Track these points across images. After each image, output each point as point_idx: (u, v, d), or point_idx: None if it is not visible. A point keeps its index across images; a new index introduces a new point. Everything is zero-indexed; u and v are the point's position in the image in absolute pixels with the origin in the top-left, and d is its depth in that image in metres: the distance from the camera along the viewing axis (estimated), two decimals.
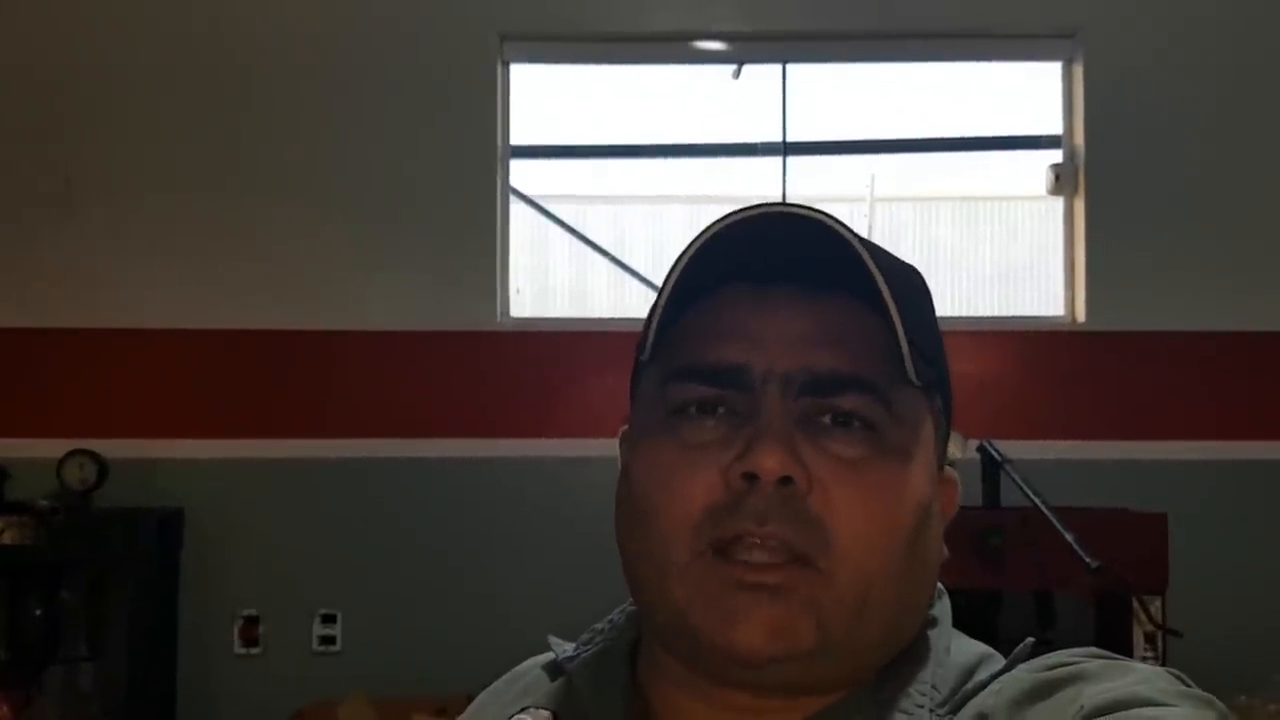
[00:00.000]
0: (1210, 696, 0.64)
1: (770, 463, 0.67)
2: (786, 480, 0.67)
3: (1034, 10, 3.82)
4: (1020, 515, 2.56)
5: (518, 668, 0.88)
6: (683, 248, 0.70)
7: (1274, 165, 3.74)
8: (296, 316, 3.66)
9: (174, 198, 3.69)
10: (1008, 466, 2.65)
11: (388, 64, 3.73)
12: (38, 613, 3.37)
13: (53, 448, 3.43)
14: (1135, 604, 2.46)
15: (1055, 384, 3.72)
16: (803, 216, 0.68)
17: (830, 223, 0.68)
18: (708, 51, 3.90)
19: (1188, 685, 0.65)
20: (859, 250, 0.67)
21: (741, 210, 0.69)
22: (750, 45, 3.91)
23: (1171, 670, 0.67)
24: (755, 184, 4.02)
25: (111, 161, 3.70)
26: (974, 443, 2.74)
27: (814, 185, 4.28)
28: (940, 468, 0.76)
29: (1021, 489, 2.53)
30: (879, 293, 0.67)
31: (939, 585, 0.79)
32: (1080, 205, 3.78)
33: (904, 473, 0.71)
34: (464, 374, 3.68)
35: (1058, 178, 3.81)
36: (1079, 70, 3.79)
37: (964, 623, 0.78)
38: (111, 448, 3.48)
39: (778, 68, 3.92)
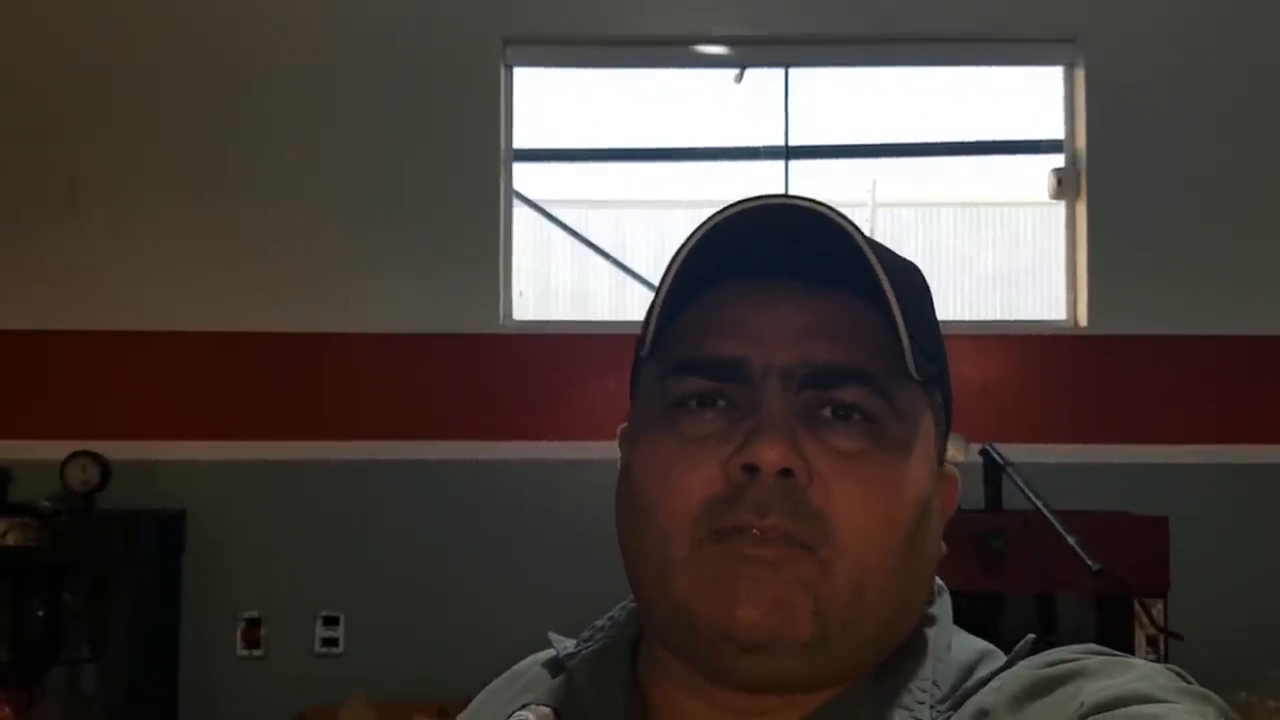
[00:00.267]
0: (1210, 693, 0.64)
1: (771, 455, 0.67)
2: (787, 473, 0.67)
3: (1035, 15, 3.82)
4: (1022, 518, 2.56)
5: (517, 666, 0.89)
6: (683, 240, 0.70)
7: (1275, 169, 3.74)
8: (299, 319, 3.66)
9: (176, 199, 3.69)
10: (1010, 470, 2.66)
11: (390, 67, 3.74)
12: (40, 614, 3.38)
13: (55, 449, 3.44)
14: (1137, 606, 2.47)
15: (1057, 388, 3.72)
16: (804, 209, 0.68)
17: (831, 215, 0.68)
18: (710, 55, 3.91)
19: (1188, 682, 0.66)
20: (859, 243, 0.67)
21: (742, 202, 0.69)
22: (752, 49, 3.91)
23: (1171, 667, 0.67)
24: (757, 188, 4.01)
25: (113, 163, 3.70)
26: (976, 446, 2.75)
27: (816, 190, 4.27)
28: (940, 464, 0.76)
29: (1023, 492, 2.54)
30: (879, 288, 0.67)
31: (939, 582, 0.79)
32: (1082, 209, 3.78)
33: (904, 466, 0.71)
34: (466, 376, 3.68)
35: (1059, 182, 3.81)
36: (1080, 75, 3.79)
37: (966, 625, 0.78)
38: (114, 449, 3.48)
39: (780, 72, 3.92)
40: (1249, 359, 3.69)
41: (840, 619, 0.68)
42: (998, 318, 4.47)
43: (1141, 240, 3.71)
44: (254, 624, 3.57)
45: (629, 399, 0.79)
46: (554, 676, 0.82)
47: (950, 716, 0.70)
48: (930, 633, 0.75)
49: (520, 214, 3.90)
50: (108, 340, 3.65)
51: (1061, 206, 3.87)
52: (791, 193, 0.71)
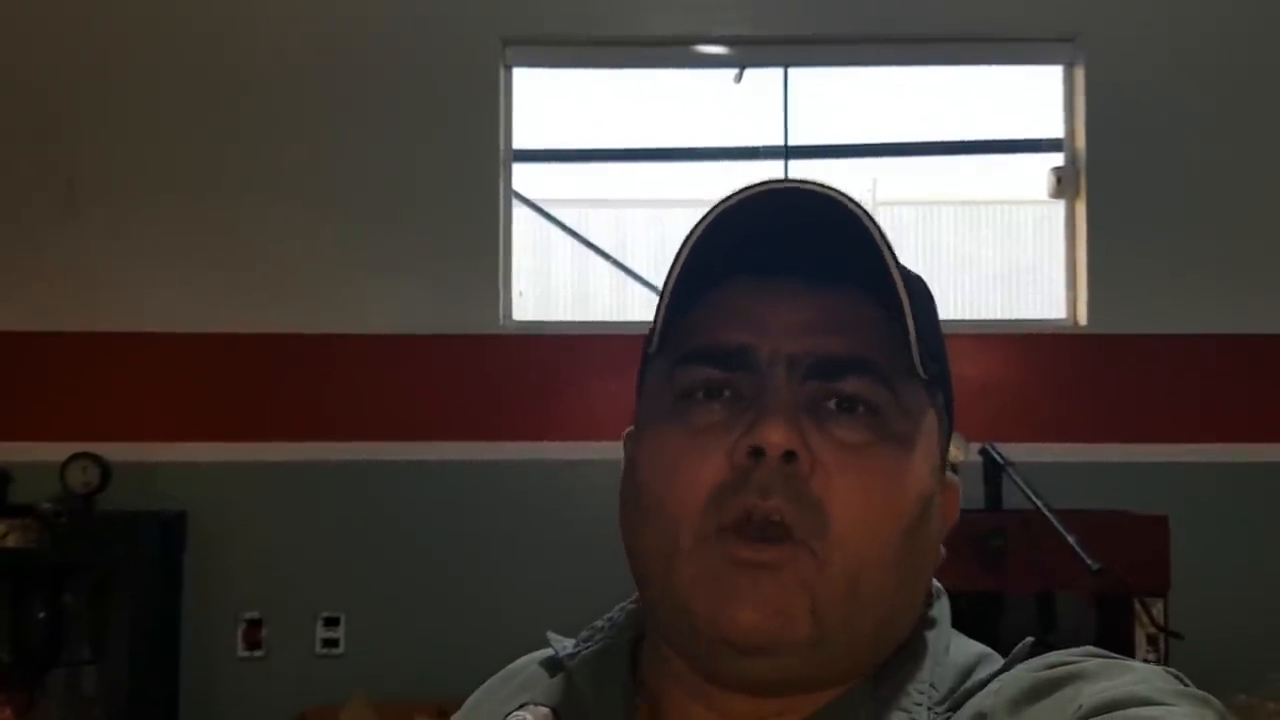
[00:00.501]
0: (1208, 696, 0.64)
1: (775, 437, 0.67)
2: (790, 457, 0.68)
3: (1034, 14, 3.82)
4: (1022, 518, 2.57)
5: (513, 665, 0.88)
6: (689, 230, 0.70)
7: (1274, 167, 3.74)
8: (299, 320, 3.66)
9: (176, 200, 3.69)
10: (1010, 469, 2.66)
11: (390, 68, 3.74)
12: (41, 616, 3.38)
13: (55, 451, 3.44)
14: (1137, 606, 2.47)
15: (1057, 387, 3.72)
16: (811, 193, 0.68)
17: (840, 198, 0.68)
18: (710, 56, 3.91)
19: (1186, 685, 0.65)
20: (868, 227, 0.67)
21: (748, 188, 0.69)
22: (752, 49, 3.91)
23: (1170, 669, 0.67)
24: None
25: (113, 164, 3.70)
26: (976, 445, 2.75)
27: None
28: (943, 466, 0.76)
29: (1024, 491, 2.54)
30: (885, 284, 0.68)
31: (938, 585, 0.79)
32: (1081, 208, 3.78)
33: (906, 461, 0.71)
34: (466, 377, 3.68)
35: (1059, 181, 3.81)
36: (1080, 74, 3.79)
37: (966, 625, 0.78)
38: (114, 451, 3.48)
39: (779, 71, 3.92)
40: (1249, 358, 3.69)
41: (837, 615, 0.68)
42: (999, 316, 4.47)
43: (1141, 239, 3.71)
44: (255, 625, 3.57)
45: (635, 399, 0.79)
46: (552, 676, 0.82)
47: (949, 719, 0.70)
48: (929, 635, 0.75)
49: (520, 214, 3.90)
50: (108, 341, 3.65)
51: (1061, 205, 3.87)
52: (798, 179, 0.70)
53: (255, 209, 3.70)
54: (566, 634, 0.86)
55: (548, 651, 0.84)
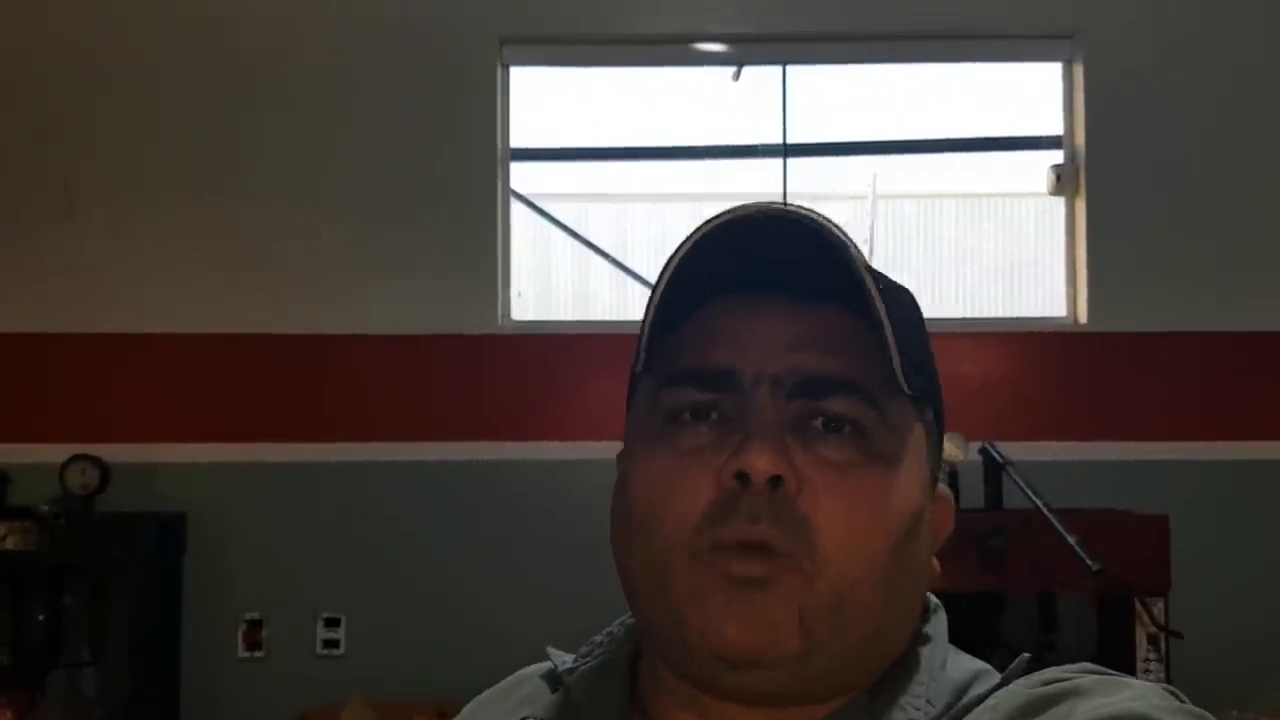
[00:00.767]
0: (1206, 714, 0.64)
1: (760, 462, 0.67)
2: (777, 481, 0.68)
3: (1034, 11, 3.81)
4: (1022, 517, 2.56)
5: (518, 674, 0.88)
6: (671, 253, 0.71)
7: (1274, 165, 3.73)
8: (298, 320, 3.66)
9: (174, 201, 3.69)
10: (1009, 468, 2.66)
11: (388, 67, 3.73)
12: (40, 618, 3.37)
13: (54, 452, 3.43)
14: (1137, 605, 2.47)
15: (1057, 385, 3.72)
16: (794, 220, 0.69)
17: (822, 224, 0.68)
18: (708, 53, 3.90)
19: (1183, 701, 0.65)
20: (850, 254, 0.68)
21: (731, 211, 0.70)
22: (750, 47, 3.90)
23: (1167, 687, 0.67)
24: (756, 185, 4.01)
25: (111, 165, 3.70)
26: (975, 445, 2.75)
27: (814, 186, 4.27)
28: (934, 480, 0.76)
29: (1023, 491, 2.54)
30: (869, 303, 0.68)
31: (934, 601, 0.79)
32: (1081, 206, 3.78)
33: (892, 479, 0.71)
34: (466, 377, 3.68)
35: (1058, 178, 3.81)
36: (1079, 71, 3.78)
37: (966, 625, 0.79)
38: (113, 452, 3.48)
39: (778, 69, 3.91)
40: (1249, 355, 3.69)
41: (824, 629, 0.68)
42: (1001, 311, 4.47)
43: (1141, 237, 3.70)
44: (255, 626, 3.57)
45: (625, 416, 0.79)
46: (553, 691, 0.82)
47: None
48: (924, 651, 0.75)
49: (518, 213, 3.90)
50: (107, 342, 3.64)
51: (1061, 202, 3.86)
52: (783, 204, 0.71)
53: (253, 209, 3.70)
54: (565, 636, 0.87)
55: (549, 665, 0.84)
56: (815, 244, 0.69)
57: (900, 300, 0.73)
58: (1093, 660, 0.72)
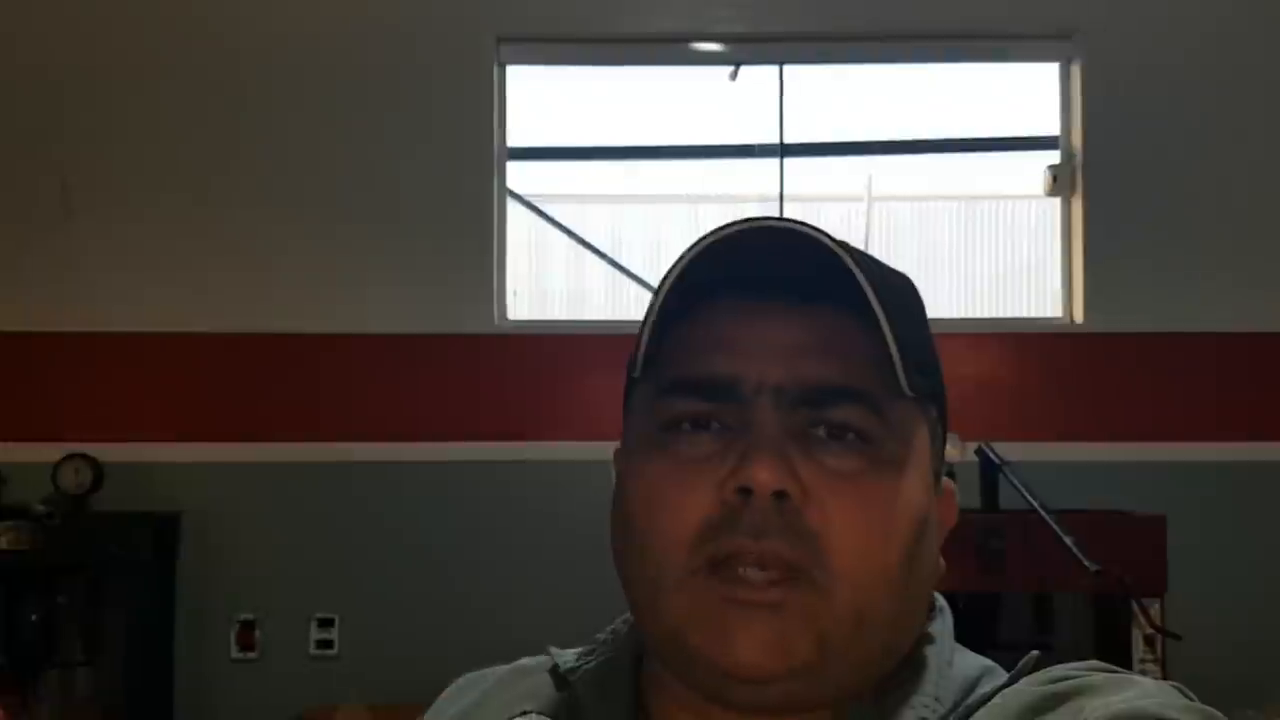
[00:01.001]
0: (1215, 711, 0.63)
1: (764, 476, 0.66)
2: (781, 494, 0.67)
3: (1031, 12, 3.81)
4: (1019, 518, 2.56)
5: (518, 666, 0.86)
6: (671, 263, 0.70)
7: (1271, 165, 3.73)
8: (293, 320, 3.65)
9: (171, 201, 3.68)
10: (1006, 469, 2.65)
11: (384, 67, 3.73)
12: (34, 617, 3.36)
13: (48, 452, 3.43)
14: (1135, 607, 2.46)
15: (1053, 385, 3.72)
16: (792, 232, 0.68)
17: (820, 237, 0.67)
18: (705, 53, 3.90)
19: (1191, 699, 0.65)
20: (849, 263, 0.67)
21: (730, 225, 0.69)
22: (747, 47, 3.90)
23: (1175, 684, 0.66)
24: (753, 185, 4.01)
25: (108, 166, 3.69)
26: (972, 445, 2.74)
27: (811, 186, 4.27)
28: (937, 479, 0.75)
29: (1020, 492, 2.53)
30: (870, 305, 0.67)
31: (940, 600, 0.78)
32: (1078, 206, 3.78)
33: (899, 485, 0.70)
34: (461, 377, 3.67)
35: (1055, 179, 3.81)
36: (1076, 71, 3.78)
37: (963, 626, 0.78)
38: (107, 452, 3.47)
39: (775, 69, 3.91)
40: (1246, 356, 3.69)
41: (842, 642, 0.67)
42: (996, 312, 4.47)
43: (1138, 237, 3.70)
44: (249, 626, 3.56)
45: (622, 417, 0.78)
46: (557, 688, 0.81)
47: None
48: (930, 650, 0.74)
49: (514, 213, 3.89)
50: (101, 342, 3.64)
51: (1057, 203, 3.86)
52: (779, 217, 0.70)
53: (249, 209, 3.69)
54: (561, 636, 0.86)
55: (550, 661, 0.83)
56: (812, 249, 0.68)
57: (900, 296, 0.72)
58: None
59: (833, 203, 5.20)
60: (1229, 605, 3.38)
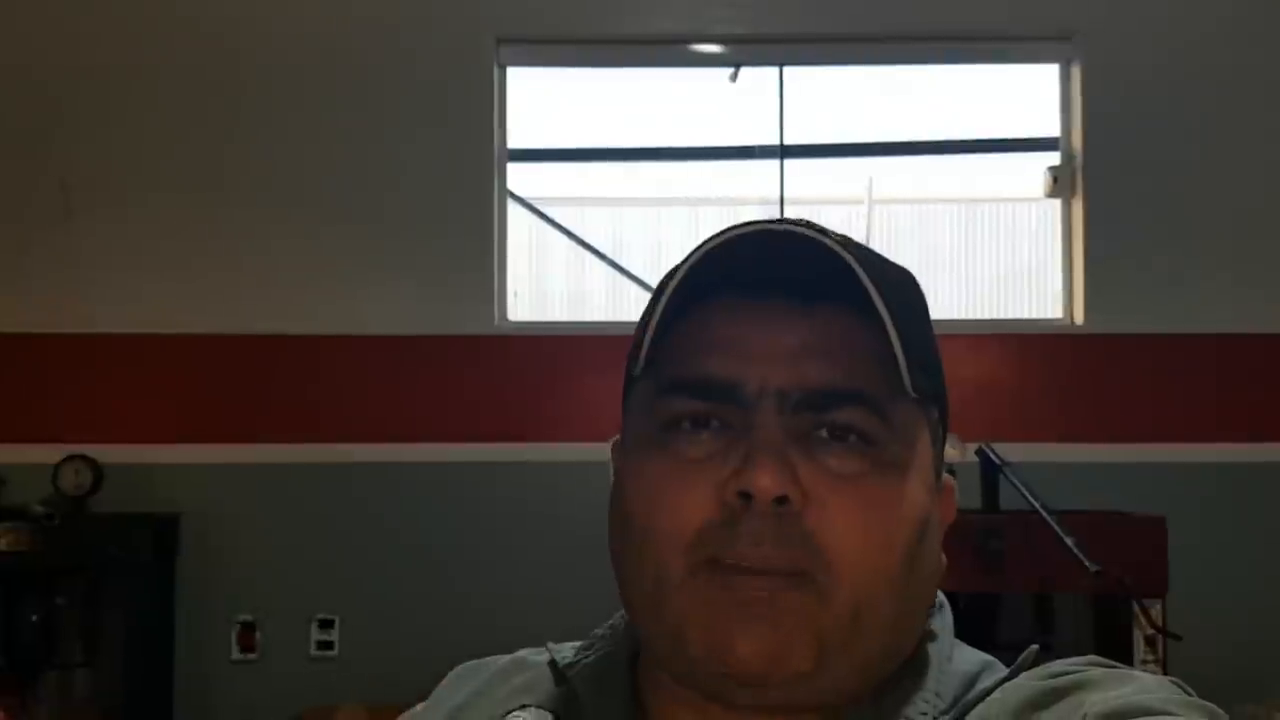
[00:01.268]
0: (1213, 706, 0.64)
1: (765, 481, 0.66)
2: (782, 499, 0.66)
3: (1031, 13, 3.81)
4: (1019, 518, 2.55)
5: (518, 657, 0.86)
6: (671, 268, 0.70)
7: (1271, 167, 3.73)
8: (294, 321, 3.65)
9: (170, 202, 3.68)
10: (1007, 470, 2.65)
11: (384, 68, 3.73)
12: (34, 619, 3.36)
13: (48, 453, 3.43)
14: (1135, 607, 2.46)
15: (1054, 386, 3.71)
16: (792, 234, 0.67)
17: (823, 239, 0.67)
18: (705, 55, 3.89)
19: (1190, 694, 0.65)
20: (853, 264, 0.67)
21: (733, 229, 0.69)
22: (747, 48, 3.90)
23: (1174, 679, 0.66)
24: (753, 187, 4.01)
25: (107, 167, 3.69)
26: (973, 446, 2.74)
27: (812, 188, 4.27)
28: (938, 477, 0.75)
29: (1021, 492, 2.53)
30: (873, 304, 0.66)
31: (940, 597, 0.78)
32: (1078, 207, 3.78)
33: (901, 487, 0.70)
34: (462, 378, 3.67)
35: (1055, 180, 3.81)
36: (1077, 72, 3.78)
37: (963, 626, 0.78)
38: (107, 453, 3.47)
39: (775, 71, 3.91)
40: (1246, 357, 3.69)
41: (842, 645, 0.67)
42: (997, 314, 4.47)
43: (1138, 238, 3.70)
44: (249, 628, 3.56)
45: (621, 414, 0.78)
46: (555, 683, 0.81)
47: None
48: (931, 648, 0.74)
49: (515, 214, 3.89)
50: (101, 343, 3.63)
51: (1057, 204, 3.86)
52: (784, 217, 0.71)
53: (248, 210, 3.69)
54: (560, 637, 0.85)
55: (547, 654, 0.83)
56: (814, 248, 0.67)
57: (903, 293, 0.72)
58: None
59: (833, 205, 5.21)
60: (1230, 606, 3.38)
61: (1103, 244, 3.72)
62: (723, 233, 0.69)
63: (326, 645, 3.56)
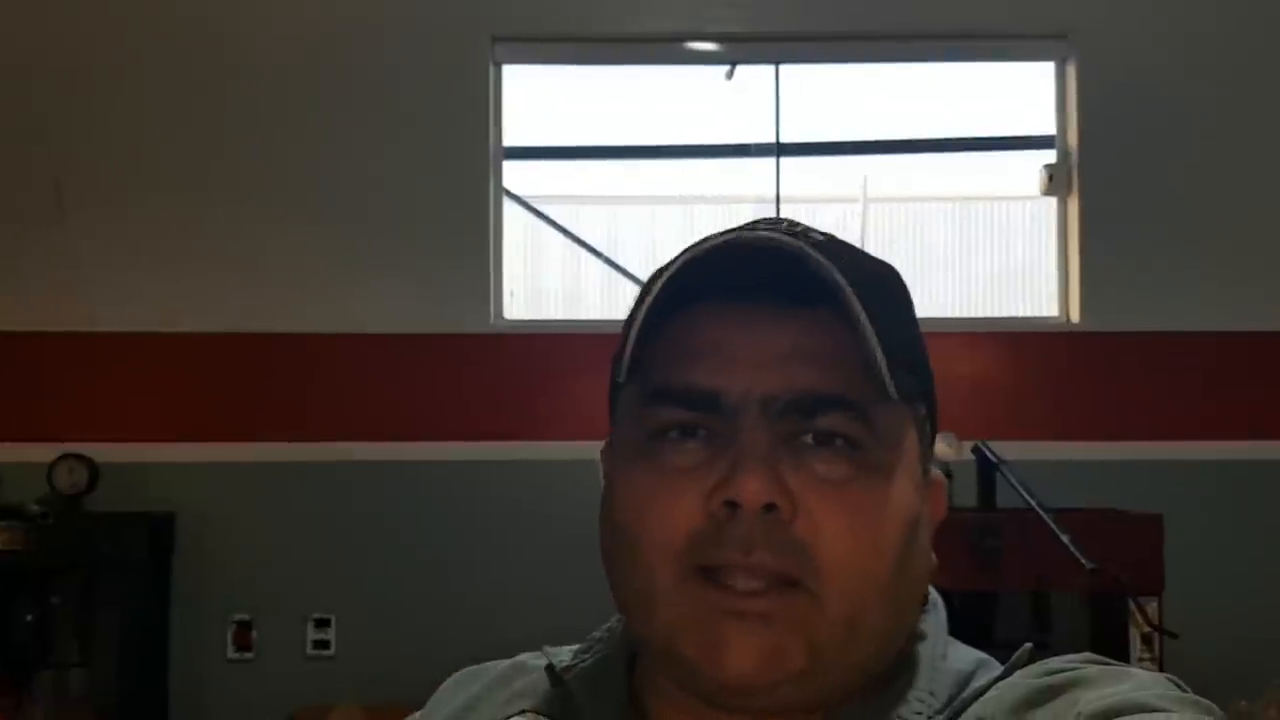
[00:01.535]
0: (1209, 703, 0.63)
1: (752, 489, 0.66)
2: (770, 507, 0.66)
3: (1027, 11, 3.81)
4: (1015, 516, 2.56)
5: (517, 661, 0.86)
6: (654, 271, 0.70)
7: (1267, 165, 3.74)
8: (289, 320, 3.65)
9: (164, 201, 3.67)
10: (1003, 468, 2.65)
11: (380, 66, 3.72)
12: (28, 618, 3.36)
13: (43, 452, 3.42)
14: (1131, 605, 2.46)
15: (1050, 384, 3.72)
16: (775, 245, 0.67)
17: (804, 250, 0.67)
18: (701, 53, 3.89)
19: (1185, 691, 0.65)
20: (832, 271, 0.66)
21: (712, 237, 0.69)
22: (743, 46, 3.90)
23: (1169, 676, 0.66)
24: (749, 185, 4.01)
25: (101, 165, 3.68)
26: (968, 444, 2.74)
27: (807, 186, 4.27)
28: (926, 475, 0.75)
29: (1017, 490, 2.53)
30: (853, 310, 0.66)
31: (934, 595, 0.78)
32: (1074, 205, 3.78)
33: (889, 490, 0.70)
34: (457, 377, 3.67)
35: (1051, 178, 3.81)
36: (1072, 70, 3.79)
37: (959, 624, 0.77)
38: (102, 451, 3.46)
39: (770, 69, 3.91)
40: (1242, 355, 3.69)
41: (833, 649, 0.68)
42: (992, 312, 4.47)
43: (1133, 236, 3.70)
44: (245, 626, 3.55)
45: (609, 419, 0.78)
46: (552, 685, 0.81)
47: None
48: (922, 647, 0.74)
49: (510, 212, 3.89)
50: (96, 342, 3.63)
51: (1053, 202, 3.86)
52: (768, 219, 0.71)
53: (243, 209, 3.69)
54: (557, 636, 0.85)
55: (544, 659, 0.83)
56: (795, 253, 0.67)
57: (887, 290, 0.72)
58: None
59: (828, 204, 5.20)
60: (1226, 603, 3.38)
61: (1098, 242, 3.72)
62: (702, 242, 0.69)
63: (322, 644, 3.56)
